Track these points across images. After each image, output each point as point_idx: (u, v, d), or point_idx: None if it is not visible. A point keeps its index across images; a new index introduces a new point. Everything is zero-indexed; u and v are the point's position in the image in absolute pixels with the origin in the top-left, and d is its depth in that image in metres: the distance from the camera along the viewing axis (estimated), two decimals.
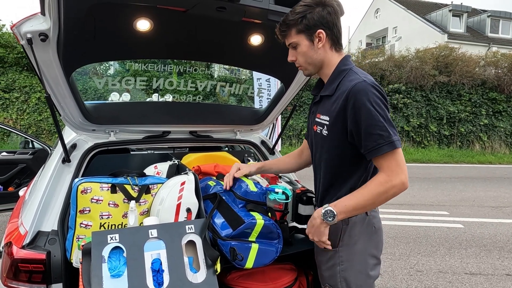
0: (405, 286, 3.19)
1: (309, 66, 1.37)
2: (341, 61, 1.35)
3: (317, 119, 1.38)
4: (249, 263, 1.30)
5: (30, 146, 4.33)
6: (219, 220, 1.39)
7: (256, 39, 1.77)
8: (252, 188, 1.46)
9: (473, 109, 12.93)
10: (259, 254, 1.30)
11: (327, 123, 1.31)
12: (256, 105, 7.58)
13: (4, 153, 4.13)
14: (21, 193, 2.28)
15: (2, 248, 1.52)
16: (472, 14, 23.02)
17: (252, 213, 1.39)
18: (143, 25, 1.51)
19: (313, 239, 1.33)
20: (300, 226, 1.71)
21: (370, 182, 1.25)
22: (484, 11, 23.68)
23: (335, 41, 1.34)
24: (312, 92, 1.51)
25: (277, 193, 1.45)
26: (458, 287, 3.20)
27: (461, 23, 21.78)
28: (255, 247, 1.30)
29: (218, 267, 1.25)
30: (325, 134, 1.33)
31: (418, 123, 12.61)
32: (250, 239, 1.31)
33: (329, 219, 1.24)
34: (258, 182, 1.59)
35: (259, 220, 1.34)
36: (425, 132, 12.78)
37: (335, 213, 1.23)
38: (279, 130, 5.58)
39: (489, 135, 13.06)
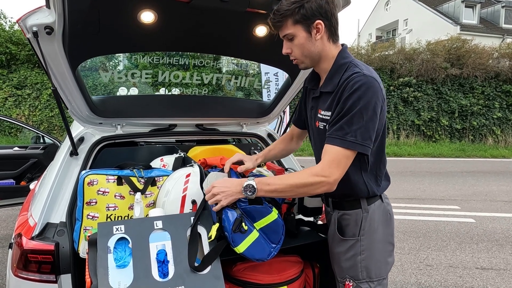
0: (415, 280, 3.16)
1: (306, 59, 1.30)
2: (340, 54, 1.30)
3: (319, 115, 1.34)
4: (242, 247, 1.26)
5: (41, 141, 4.40)
6: None
7: (261, 30, 1.74)
8: None
9: (486, 102, 12.63)
10: (254, 243, 1.27)
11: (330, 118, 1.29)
12: (265, 99, 7.55)
13: (16, 148, 4.21)
14: (31, 186, 2.32)
15: (13, 239, 1.55)
16: (486, 5, 22.46)
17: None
18: (147, 17, 1.51)
19: (215, 199, 1.24)
20: (306, 219, 1.70)
21: (304, 170, 1.25)
22: (498, 1, 23.06)
23: (333, 32, 1.27)
24: (308, 84, 1.46)
25: None
26: (469, 282, 3.16)
27: (474, 14, 21.27)
28: (255, 234, 1.28)
29: (213, 234, 1.25)
30: None
31: (429, 116, 12.40)
32: (255, 224, 1.30)
33: (248, 193, 1.21)
34: (265, 176, 1.58)
35: (274, 212, 1.33)
36: (436, 126, 12.57)
37: (256, 189, 1.21)
38: (288, 120, 5.54)
39: (503, 128, 12.77)
